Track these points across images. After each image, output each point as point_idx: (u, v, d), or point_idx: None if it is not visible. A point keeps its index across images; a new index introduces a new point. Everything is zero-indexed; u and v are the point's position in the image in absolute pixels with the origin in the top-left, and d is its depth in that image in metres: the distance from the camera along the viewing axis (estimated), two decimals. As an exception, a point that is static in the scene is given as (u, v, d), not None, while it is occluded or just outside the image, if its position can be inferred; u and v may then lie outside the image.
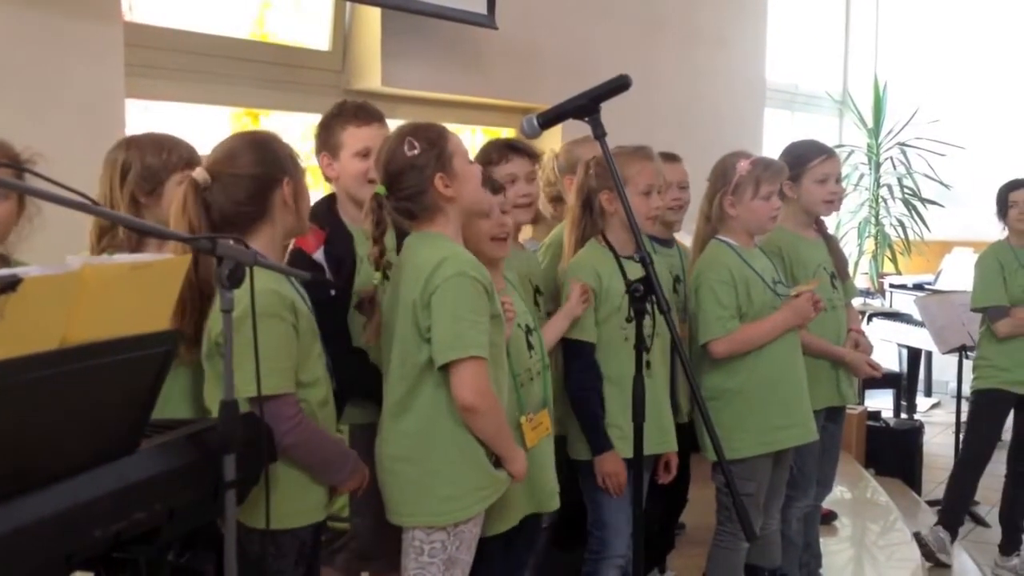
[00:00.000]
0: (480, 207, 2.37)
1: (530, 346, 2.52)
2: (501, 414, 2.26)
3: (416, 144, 2.26)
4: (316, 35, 4.36)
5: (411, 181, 2.25)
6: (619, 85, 2.20)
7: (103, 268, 1.45)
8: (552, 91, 5.03)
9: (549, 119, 2.27)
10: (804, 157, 3.36)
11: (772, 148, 7.18)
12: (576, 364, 2.75)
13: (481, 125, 5.08)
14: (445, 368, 2.17)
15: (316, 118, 4.32)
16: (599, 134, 2.19)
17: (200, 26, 3.85)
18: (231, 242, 1.82)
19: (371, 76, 4.34)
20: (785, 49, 7.81)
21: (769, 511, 3.10)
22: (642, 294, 2.17)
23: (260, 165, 2.23)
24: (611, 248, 2.81)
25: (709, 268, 3.03)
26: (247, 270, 1.84)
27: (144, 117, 3.62)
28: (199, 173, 2.14)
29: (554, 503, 2.54)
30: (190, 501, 1.79)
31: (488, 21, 4.62)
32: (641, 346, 2.21)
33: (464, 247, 2.29)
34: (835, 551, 4.19)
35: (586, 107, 2.20)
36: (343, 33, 4.38)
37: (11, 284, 1.28)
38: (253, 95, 4.08)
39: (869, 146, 8.44)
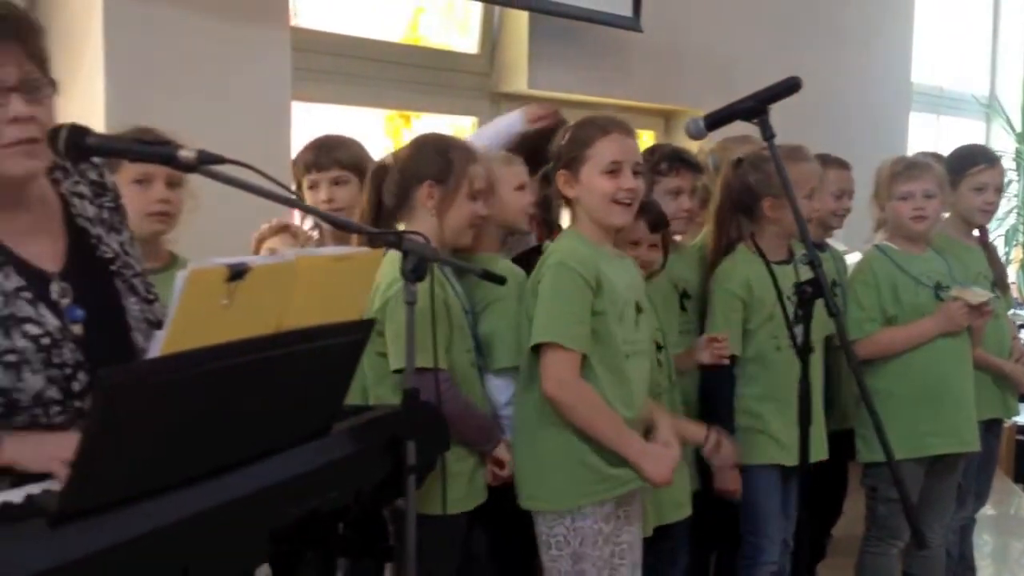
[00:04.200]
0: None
1: (659, 363, 2.56)
2: (594, 409, 2.27)
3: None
4: (466, 38, 4.46)
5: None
6: (789, 87, 2.20)
7: (313, 260, 1.54)
8: (696, 94, 5.06)
9: (716, 120, 2.29)
10: (964, 163, 3.29)
11: (917, 151, 6.98)
12: (717, 373, 2.73)
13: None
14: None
15: (464, 120, 4.50)
16: (768, 136, 2.20)
17: (358, 30, 3.99)
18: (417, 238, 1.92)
19: (518, 79, 4.42)
20: (930, 49, 7.58)
21: (931, 524, 3.04)
22: (810, 296, 2.16)
23: (411, 160, 2.40)
24: (761, 253, 2.80)
25: (856, 271, 3.10)
26: (429, 265, 1.94)
27: (307, 119, 3.77)
28: (385, 156, 2.31)
29: (678, 513, 2.59)
30: (375, 483, 1.88)
31: (633, 23, 4.65)
32: (806, 348, 2.20)
33: (596, 244, 2.35)
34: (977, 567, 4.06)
35: (755, 109, 2.21)
36: (492, 36, 4.47)
37: (241, 272, 1.38)
38: (405, 97, 4.21)
39: (1018, 151, 8.11)
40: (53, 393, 1.56)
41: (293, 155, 3.29)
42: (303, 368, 1.61)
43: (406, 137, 4.34)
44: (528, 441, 2.36)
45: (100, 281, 1.70)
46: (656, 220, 2.52)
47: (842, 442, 3.02)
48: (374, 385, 2.34)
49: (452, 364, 2.34)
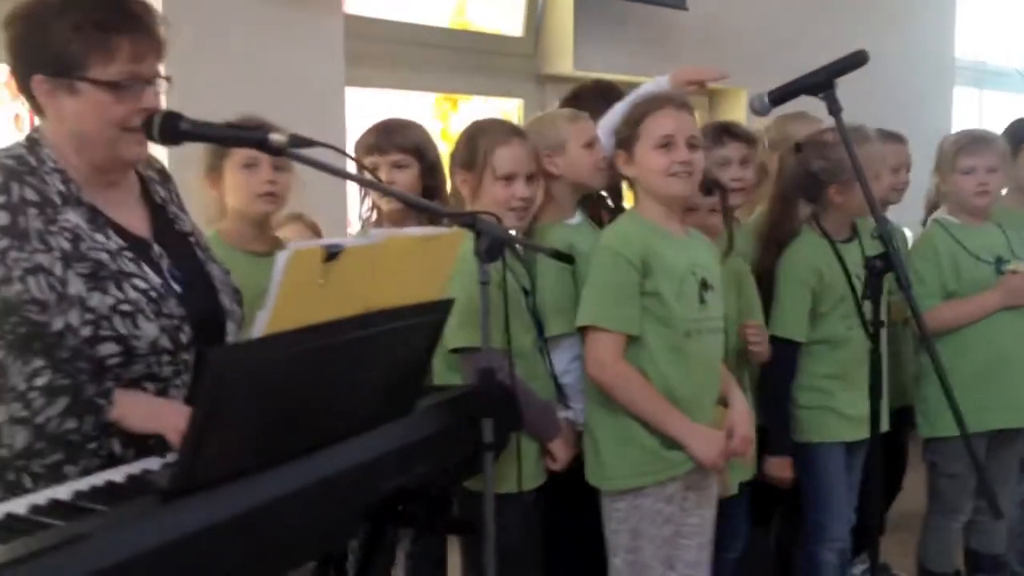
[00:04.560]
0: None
1: None
2: (634, 389, 2.29)
3: None
4: (511, 21, 4.47)
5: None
6: (856, 61, 2.20)
7: (401, 240, 1.57)
8: (741, 72, 5.01)
9: (782, 96, 2.28)
10: (1020, 134, 3.28)
11: (961, 127, 6.91)
12: (776, 360, 2.69)
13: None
14: None
15: (509, 103, 4.51)
16: (835, 110, 2.19)
17: (407, 16, 4.01)
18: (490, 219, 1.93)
19: (563, 60, 4.42)
20: (973, 24, 7.48)
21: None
22: (880, 270, 2.16)
23: (452, 150, 2.48)
24: (825, 235, 2.77)
25: (916, 246, 3.07)
26: (502, 245, 1.95)
27: (358, 104, 3.80)
28: None
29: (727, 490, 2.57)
30: (454, 460, 1.91)
31: (678, 2, 4.64)
32: (877, 322, 2.20)
33: (651, 222, 2.36)
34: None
35: (821, 83, 2.20)
36: (536, 18, 4.47)
37: (336, 252, 1.40)
38: (453, 81, 4.24)
39: (1063, 125, 7.98)
40: (165, 342, 1.65)
41: (347, 140, 3.33)
42: (391, 347, 1.63)
43: (453, 120, 4.38)
44: (591, 420, 2.40)
45: (184, 249, 1.82)
46: (707, 184, 2.51)
47: (901, 418, 3.02)
48: (442, 368, 2.36)
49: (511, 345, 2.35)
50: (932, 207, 3.66)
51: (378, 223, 2.73)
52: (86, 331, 1.58)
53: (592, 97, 2.91)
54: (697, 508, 2.37)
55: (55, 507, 1.36)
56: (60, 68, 1.60)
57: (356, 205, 2.97)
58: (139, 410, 1.58)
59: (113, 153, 1.66)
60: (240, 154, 2.35)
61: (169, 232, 1.82)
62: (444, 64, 4.15)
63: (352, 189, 3.25)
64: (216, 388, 1.28)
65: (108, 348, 1.60)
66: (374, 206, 2.77)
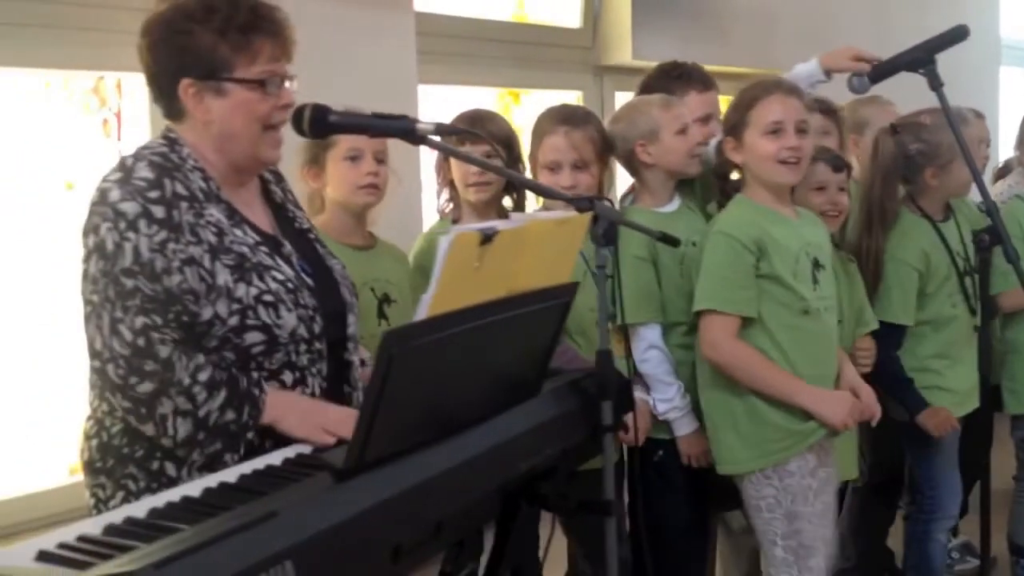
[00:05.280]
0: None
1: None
2: (752, 365, 2.30)
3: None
4: (569, 13, 4.48)
5: None
6: (956, 36, 2.21)
7: (542, 224, 1.60)
8: (797, 57, 5.03)
9: (881, 73, 2.29)
10: None
11: (1008, 108, 6.87)
12: (883, 346, 2.70)
13: (724, 95, 5.08)
14: None
15: (569, 95, 4.52)
16: (936, 85, 2.19)
17: (470, 11, 4.04)
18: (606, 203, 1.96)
19: (622, 50, 4.43)
20: (1019, 2, 7.42)
21: None
22: (988, 244, 2.16)
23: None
24: (925, 215, 2.76)
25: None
26: (618, 228, 1.98)
27: (427, 101, 3.82)
28: None
29: (848, 473, 2.57)
30: (577, 442, 1.93)
31: (734, -11, 4.65)
32: (986, 296, 2.21)
33: (762, 206, 2.37)
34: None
35: (922, 59, 2.21)
36: (594, 9, 4.48)
37: (490, 236, 1.43)
38: (513, 75, 4.25)
39: (1111, 101, 7.91)
40: (302, 331, 1.71)
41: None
42: (526, 329, 1.66)
43: (515, 114, 4.40)
44: (708, 407, 2.41)
45: (306, 245, 1.89)
46: (837, 161, 2.52)
47: (987, 396, 3.01)
48: None
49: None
50: (998, 179, 3.66)
51: (457, 215, 2.75)
52: (233, 320, 1.64)
53: (663, 81, 2.91)
54: (826, 485, 2.38)
55: (228, 490, 1.40)
56: (208, 71, 1.66)
57: (431, 198, 3.00)
58: (294, 418, 1.63)
59: (254, 151, 1.73)
60: (343, 146, 2.37)
61: (290, 230, 1.89)
62: (505, 58, 4.17)
63: (428, 182, 3.28)
64: (391, 369, 1.31)
65: (254, 337, 1.66)
66: (452, 199, 2.78)
